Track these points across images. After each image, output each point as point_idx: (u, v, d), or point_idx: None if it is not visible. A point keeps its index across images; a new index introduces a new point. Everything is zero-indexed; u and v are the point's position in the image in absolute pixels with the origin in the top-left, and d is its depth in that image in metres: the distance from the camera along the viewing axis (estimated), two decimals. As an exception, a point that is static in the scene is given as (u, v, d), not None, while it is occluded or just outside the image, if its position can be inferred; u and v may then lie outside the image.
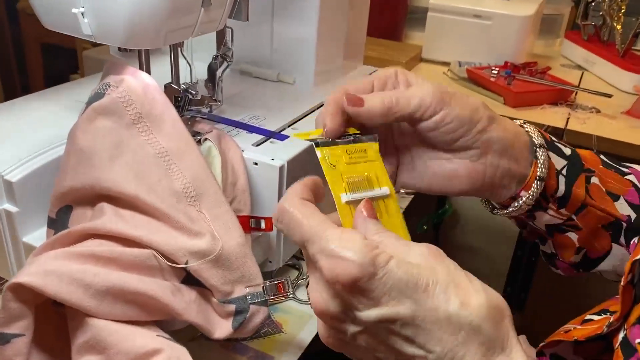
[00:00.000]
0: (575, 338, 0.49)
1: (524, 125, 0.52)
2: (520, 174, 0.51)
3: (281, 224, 0.38)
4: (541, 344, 0.56)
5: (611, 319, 0.46)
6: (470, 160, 0.49)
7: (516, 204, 0.52)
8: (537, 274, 1.18)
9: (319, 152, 0.42)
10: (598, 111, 1.10)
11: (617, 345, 0.45)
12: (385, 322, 0.34)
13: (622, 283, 0.45)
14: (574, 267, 0.58)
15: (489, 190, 0.52)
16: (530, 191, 0.50)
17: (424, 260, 0.35)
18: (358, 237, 0.34)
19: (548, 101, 1.12)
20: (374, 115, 0.45)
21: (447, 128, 0.47)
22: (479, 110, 0.47)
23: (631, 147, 0.97)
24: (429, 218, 1.14)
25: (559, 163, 0.52)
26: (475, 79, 1.19)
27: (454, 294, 0.33)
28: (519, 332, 0.36)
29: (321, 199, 0.41)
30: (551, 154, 0.51)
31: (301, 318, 0.62)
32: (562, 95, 1.13)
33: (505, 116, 0.51)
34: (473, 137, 0.48)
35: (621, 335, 0.46)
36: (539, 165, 0.50)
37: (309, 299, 0.37)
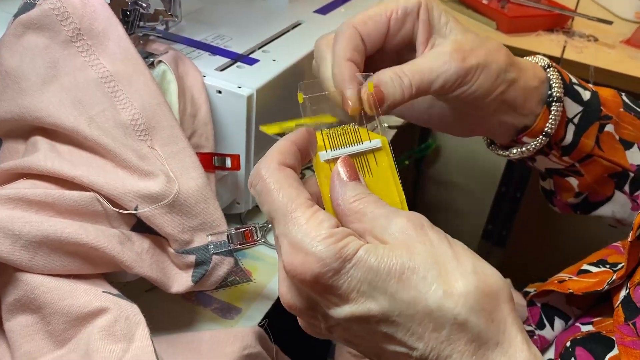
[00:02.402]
0: (571, 291, 0.46)
1: (548, 71, 0.47)
2: (523, 126, 0.48)
3: (254, 190, 0.32)
4: (532, 294, 0.53)
5: (613, 277, 0.44)
6: (471, 113, 0.46)
7: (515, 151, 0.49)
8: (520, 211, 1.15)
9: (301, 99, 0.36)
10: (596, 39, 1.03)
11: (617, 304, 0.43)
12: (357, 320, 0.29)
13: (629, 239, 0.42)
14: (572, 208, 0.56)
15: (484, 134, 0.51)
16: (533, 143, 0.48)
17: (402, 237, 0.29)
18: (327, 224, 0.28)
19: (544, 27, 1.04)
20: (393, 109, 0.40)
21: (463, 100, 0.43)
22: (499, 78, 0.43)
23: (631, 79, 0.91)
24: (412, 153, 1.09)
25: (573, 110, 0.48)
26: (466, 1, 1.10)
27: (436, 281, 0.27)
28: (500, 270, 0.30)
29: (310, 158, 0.34)
30: (566, 100, 0.47)
31: (273, 265, 0.57)
32: (558, 21, 1.06)
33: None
34: (486, 102, 0.44)
35: (623, 293, 0.44)
36: (550, 120, 0.46)
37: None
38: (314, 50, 0.44)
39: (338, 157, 0.33)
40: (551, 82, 0.46)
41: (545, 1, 1.10)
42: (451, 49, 0.40)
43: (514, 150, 0.49)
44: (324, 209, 0.31)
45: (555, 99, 0.46)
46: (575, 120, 0.48)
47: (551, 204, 0.57)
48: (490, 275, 0.29)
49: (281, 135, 0.36)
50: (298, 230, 0.28)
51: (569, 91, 0.48)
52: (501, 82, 0.43)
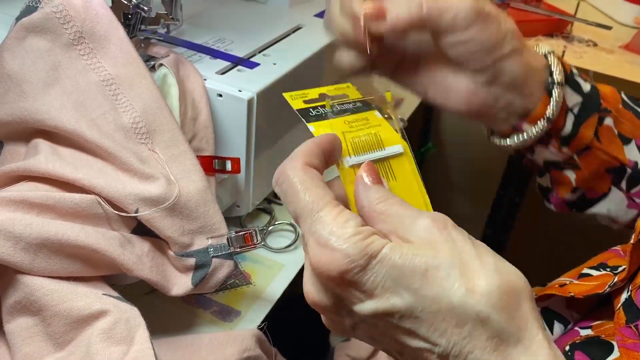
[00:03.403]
0: (572, 294, 0.46)
1: (548, 56, 0.48)
2: (523, 110, 0.47)
3: (280, 188, 0.33)
4: (532, 298, 0.53)
5: (615, 279, 0.44)
6: (473, 82, 0.45)
7: (516, 139, 0.49)
8: (519, 216, 1.15)
9: (311, 128, 0.36)
10: (595, 44, 1.03)
11: (619, 306, 0.43)
12: (381, 315, 0.29)
13: (632, 241, 0.42)
14: (568, 206, 0.56)
15: (485, 117, 0.49)
16: (534, 128, 0.47)
17: (427, 236, 0.29)
18: (352, 222, 0.29)
19: (543, 32, 1.05)
20: (397, 30, 0.40)
21: (466, 48, 0.43)
22: (506, 39, 0.43)
23: (629, 84, 0.91)
24: (411, 156, 1.08)
25: (573, 100, 0.48)
26: (465, 5, 1.10)
27: (459, 279, 0.28)
28: None
29: (334, 162, 0.35)
30: (566, 89, 0.47)
31: (271, 268, 0.57)
32: (558, 26, 1.06)
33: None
34: (487, 64, 0.44)
35: (624, 295, 0.44)
36: (551, 105, 0.46)
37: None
38: None
39: (362, 163, 0.34)
40: (552, 67, 0.47)
41: (545, 6, 1.10)
42: None
43: (515, 138, 0.49)
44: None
45: (556, 83, 0.46)
46: (575, 110, 0.48)
47: (547, 201, 0.57)
48: (512, 274, 0.29)
49: (302, 110, 0.37)
50: (324, 228, 0.29)
51: (569, 80, 0.48)
52: (507, 42, 0.43)
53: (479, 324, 0.28)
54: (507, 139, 0.50)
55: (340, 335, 0.34)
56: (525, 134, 0.48)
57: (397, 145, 0.36)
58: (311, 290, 0.32)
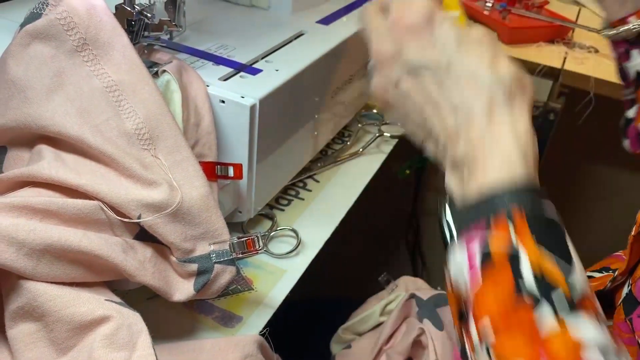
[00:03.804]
0: None
1: None
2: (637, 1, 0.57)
3: None
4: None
5: (615, 274, 0.43)
6: None
7: (621, 29, 0.58)
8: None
9: None
10: (596, 51, 1.04)
11: (619, 302, 0.43)
12: (427, 65, 0.38)
13: (632, 233, 0.42)
14: None
15: None
16: (638, 21, 0.56)
17: (477, 32, 0.39)
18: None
19: (544, 38, 1.05)
20: None
21: None
22: None
23: (631, 90, 0.91)
24: (412, 163, 1.08)
25: None
26: (467, 11, 1.10)
27: (488, 59, 0.37)
28: None
29: None
30: None
31: (273, 274, 0.57)
32: (559, 33, 1.06)
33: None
34: None
35: (625, 290, 0.44)
36: None
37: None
38: None
39: None
40: None
41: (546, 12, 1.11)
42: None
43: (621, 28, 0.58)
44: None
45: None
46: None
47: (624, 136, 0.64)
48: (527, 76, 0.38)
49: None
50: None
51: None
52: None
53: (487, 93, 0.36)
54: (613, 30, 0.59)
55: (380, 98, 0.42)
56: (630, 25, 0.56)
57: (456, 11, 0.45)
58: (380, 41, 0.40)
